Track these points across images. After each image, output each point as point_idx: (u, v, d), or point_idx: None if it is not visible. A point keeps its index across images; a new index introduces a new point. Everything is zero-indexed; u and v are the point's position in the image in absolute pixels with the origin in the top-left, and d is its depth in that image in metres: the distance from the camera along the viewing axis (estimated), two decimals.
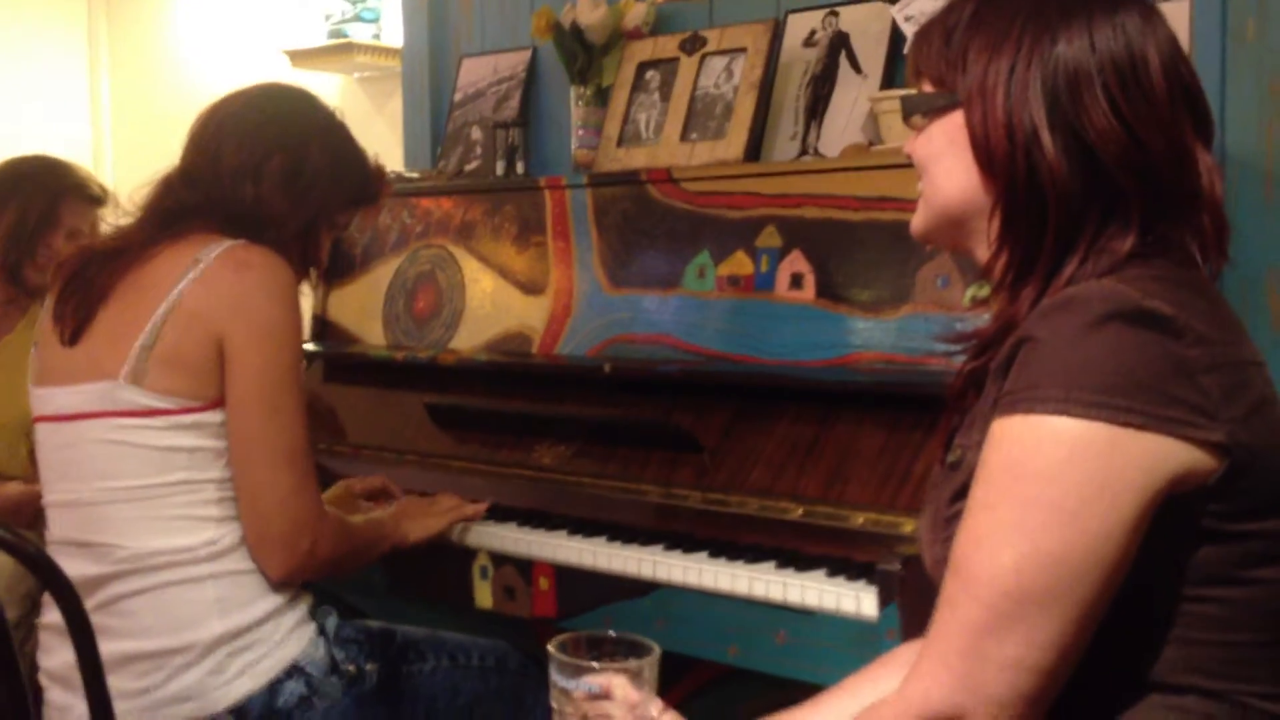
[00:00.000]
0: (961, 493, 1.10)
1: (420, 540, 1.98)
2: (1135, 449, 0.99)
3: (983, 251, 1.19)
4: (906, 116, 1.24)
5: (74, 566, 1.67)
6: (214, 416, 1.70)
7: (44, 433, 1.79)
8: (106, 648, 1.59)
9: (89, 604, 1.65)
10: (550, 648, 1.19)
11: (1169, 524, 1.02)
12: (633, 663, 1.18)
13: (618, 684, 1.17)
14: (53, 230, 2.64)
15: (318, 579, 1.82)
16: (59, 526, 1.76)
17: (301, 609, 1.78)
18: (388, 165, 2.87)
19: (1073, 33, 1.12)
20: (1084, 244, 1.11)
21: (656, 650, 1.19)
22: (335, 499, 2.08)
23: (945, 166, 1.19)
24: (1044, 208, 1.11)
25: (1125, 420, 0.99)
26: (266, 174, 1.81)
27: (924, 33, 1.23)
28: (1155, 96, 1.12)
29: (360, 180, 1.93)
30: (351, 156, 1.93)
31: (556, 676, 1.18)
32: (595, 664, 1.17)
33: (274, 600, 1.73)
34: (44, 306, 2.67)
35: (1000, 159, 1.13)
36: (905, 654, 1.31)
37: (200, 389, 1.69)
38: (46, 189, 2.64)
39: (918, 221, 1.25)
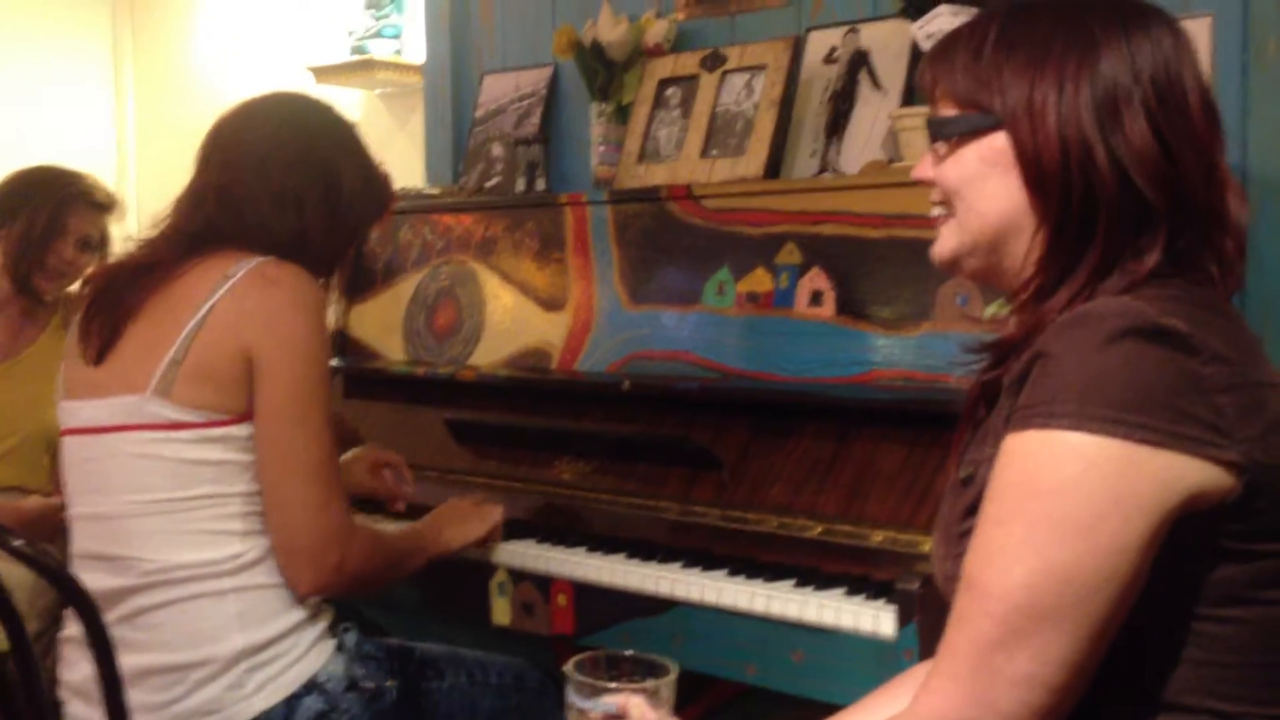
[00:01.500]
0: (973, 508, 1.10)
1: (463, 547, 1.97)
2: (1150, 466, 0.99)
3: (1011, 274, 1.17)
4: (934, 139, 1.21)
5: (97, 579, 1.68)
6: (241, 430, 1.70)
7: (71, 446, 1.80)
8: (128, 660, 1.60)
9: (111, 616, 1.67)
10: (567, 668, 1.18)
11: (1183, 543, 1.01)
12: (650, 683, 1.18)
13: (635, 704, 1.17)
14: (60, 238, 2.65)
15: (348, 594, 1.83)
16: (83, 539, 1.77)
17: (322, 625, 1.78)
18: (409, 181, 2.90)
19: (1113, 50, 1.11)
20: (1121, 260, 1.10)
21: (674, 670, 1.19)
22: (354, 460, 2.12)
23: (984, 189, 1.16)
24: (1094, 225, 1.10)
25: (1140, 437, 0.98)
26: (310, 203, 1.82)
27: (943, 52, 1.20)
28: (1190, 112, 1.11)
29: (383, 193, 1.95)
30: (375, 171, 1.94)
31: (574, 697, 1.17)
32: (612, 684, 1.17)
33: (295, 616, 1.73)
34: (72, 321, 2.70)
35: (1053, 179, 1.11)
36: (921, 672, 1.30)
37: (228, 402, 1.69)
38: (51, 197, 2.65)
39: (947, 247, 1.21)
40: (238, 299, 1.71)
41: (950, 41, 1.20)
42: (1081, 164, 1.10)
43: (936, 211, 1.22)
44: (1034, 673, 1.00)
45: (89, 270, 2.74)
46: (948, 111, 1.20)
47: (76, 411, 1.78)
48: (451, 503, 2.04)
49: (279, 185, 1.81)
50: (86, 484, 1.77)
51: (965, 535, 1.10)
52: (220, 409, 1.69)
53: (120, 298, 1.76)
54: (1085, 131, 1.10)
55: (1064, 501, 1.00)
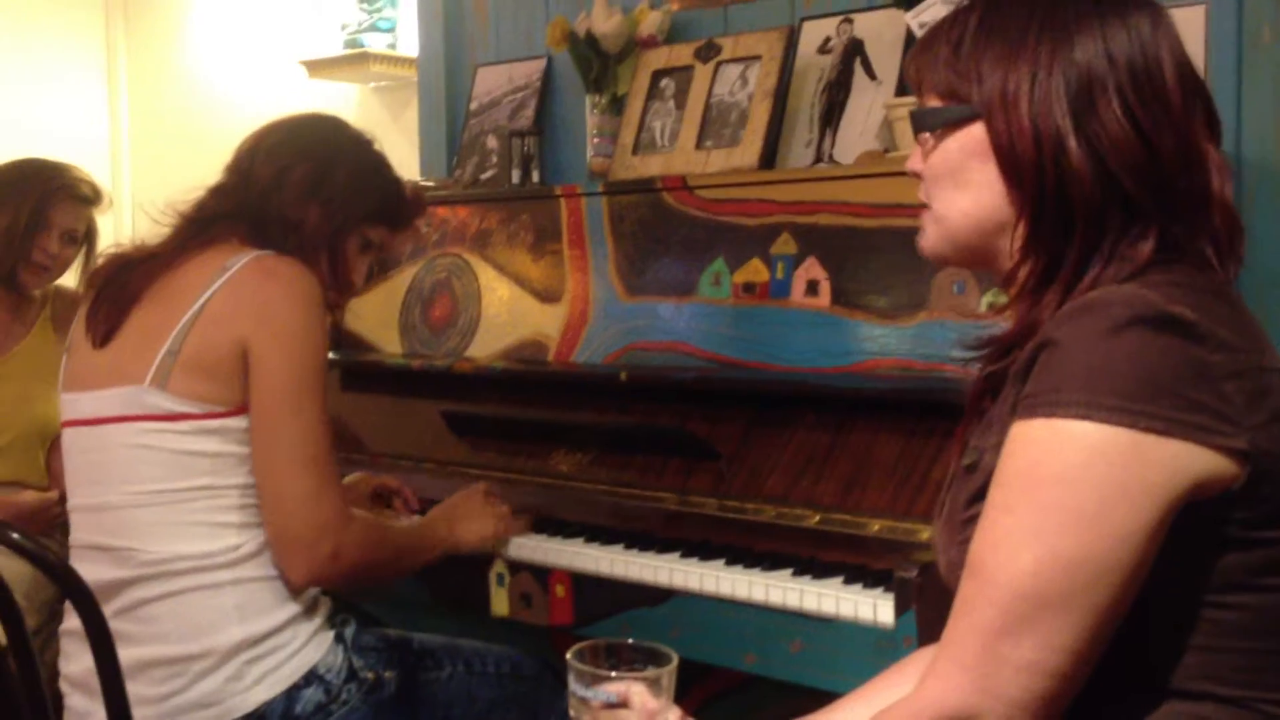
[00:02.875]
0: (978, 495, 1.10)
1: (475, 545, 1.98)
2: (1156, 454, 0.99)
3: (1001, 263, 1.18)
4: (918, 131, 1.22)
5: (96, 570, 1.69)
6: (238, 422, 1.71)
7: (70, 437, 1.81)
8: (127, 653, 1.60)
9: (110, 609, 1.67)
10: (568, 656, 1.19)
11: (1189, 530, 1.01)
12: (651, 671, 1.18)
13: (635, 692, 1.17)
14: (44, 232, 2.64)
15: (345, 585, 1.83)
16: (82, 530, 1.78)
17: (320, 616, 1.78)
18: (405, 174, 2.88)
19: (1087, 37, 1.11)
20: (1106, 249, 1.10)
21: (675, 658, 1.19)
22: (350, 487, 2.10)
23: (965, 180, 1.17)
24: (1071, 215, 1.11)
25: (1147, 426, 0.99)
26: (290, 182, 1.84)
27: (926, 45, 1.21)
28: (1168, 97, 1.11)
29: (386, 198, 1.95)
30: (378, 174, 1.95)
31: (575, 686, 1.18)
32: (613, 673, 1.17)
33: (293, 608, 1.74)
34: (61, 314, 2.69)
35: (1028, 168, 1.12)
36: (921, 659, 1.31)
37: (224, 394, 1.70)
38: (34, 191, 2.64)
39: (932, 240, 1.22)
40: (234, 291, 1.71)
41: (933, 34, 1.21)
42: (1054, 153, 1.10)
43: (925, 200, 1.22)
44: (1039, 660, 1.01)
45: (81, 264, 2.74)
46: (932, 104, 1.20)
47: (76, 403, 1.79)
48: (463, 495, 2.03)
49: (265, 169, 1.84)
50: (86, 475, 1.78)
51: (969, 523, 1.10)
52: (217, 400, 1.70)
53: (125, 285, 1.78)
54: (1058, 121, 1.10)
55: (1071, 490, 1.00)
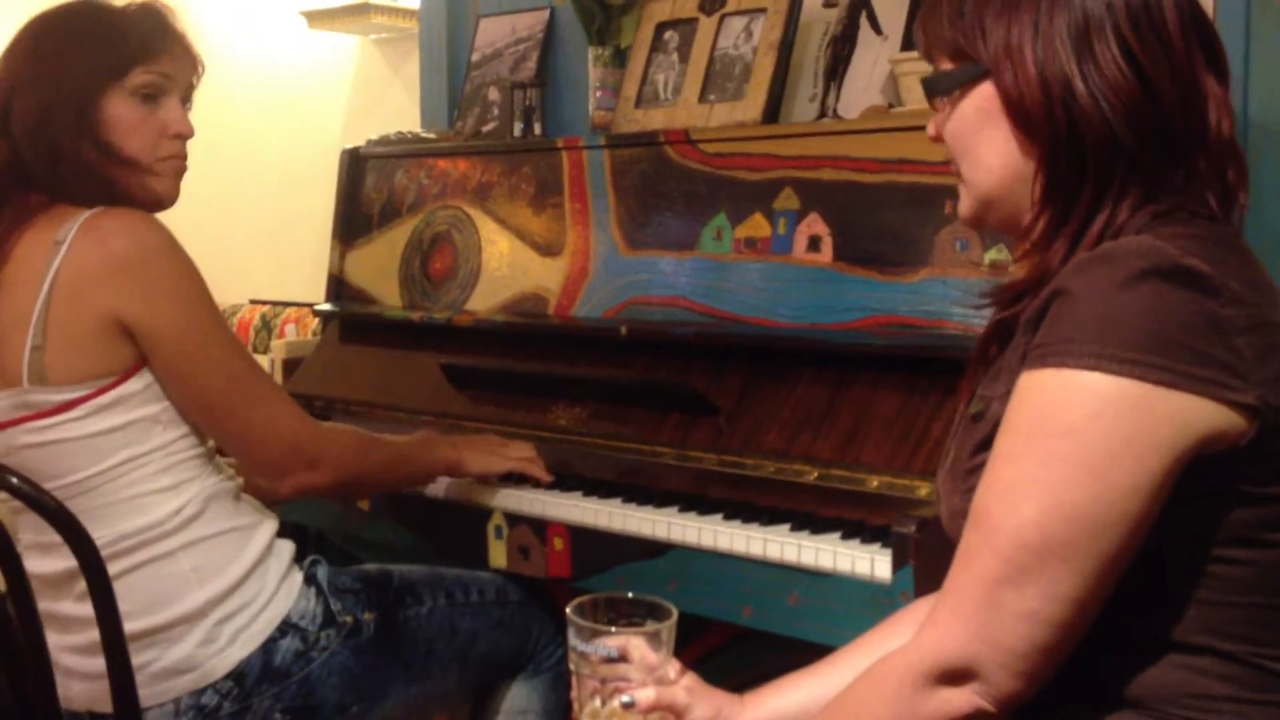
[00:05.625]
0: (984, 444, 1.10)
1: (478, 474, 1.97)
2: (1166, 407, 0.99)
3: (1026, 220, 1.17)
4: (931, 97, 1.21)
5: (46, 564, 1.65)
6: (133, 385, 1.64)
7: None
8: (96, 634, 1.54)
9: (70, 598, 1.64)
10: (568, 611, 1.19)
11: (1195, 483, 1.01)
12: (651, 625, 1.19)
13: (635, 646, 1.17)
14: None
15: (341, 491, 1.81)
16: (24, 531, 1.70)
17: (283, 559, 1.75)
18: (405, 126, 2.87)
19: None
20: (1114, 193, 1.10)
21: (674, 613, 1.20)
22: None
23: (984, 139, 1.16)
24: (1083, 159, 1.10)
25: (1157, 378, 0.98)
26: (14, 119, 1.66)
27: (930, 8, 1.20)
28: (1168, 34, 1.10)
29: (97, 52, 1.69)
30: (70, 39, 1.70)
31: (574, 640, 1.18)
32: (612, 628, 1.18)
33: (250, 556, 1.70)
34: None
35: (1038, 117, 1.11)
36: (919, 610, 1.31)
37: (106, 365, 1.62)
38: None
39: (966, 206, 1.21)
40: (77, 265, 1.60)
41: None
42: (1063, 100, 1.10)
43: (954, 167, 1.21)
44: (1040, 609, 1.01)
45: None
46: (943, 67, 1.19)
47: None
48: (482, 436, 2.03)
49: (21, 112, 1.66)
50: None
51: (974, 472, 1.10)
52: (102, 374, 1.62)
53: None
54: (1063, 66, 1.10)
55: (1078, 441, 1.00)
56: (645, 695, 1.17)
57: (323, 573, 1.79)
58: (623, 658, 1.17)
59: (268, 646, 1.69)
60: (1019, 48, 1.12)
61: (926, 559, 1.57)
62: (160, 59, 1.72)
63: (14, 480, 1.45)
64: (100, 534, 1.59)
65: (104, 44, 1.69)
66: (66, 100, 1.66)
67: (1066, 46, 1.10)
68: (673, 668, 1.22)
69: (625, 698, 1.17)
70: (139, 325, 1.61)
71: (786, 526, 1.76)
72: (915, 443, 1.79)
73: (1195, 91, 1.11)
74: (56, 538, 1.51)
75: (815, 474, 1.83)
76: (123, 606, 1.57)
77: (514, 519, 2.00)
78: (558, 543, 1.95)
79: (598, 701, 1.17)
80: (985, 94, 1.15)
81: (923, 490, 1.70)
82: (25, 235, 1.65)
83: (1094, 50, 1.09)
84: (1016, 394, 1.05)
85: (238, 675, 1.67)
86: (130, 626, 1.60)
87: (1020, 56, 1.11)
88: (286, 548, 1.78)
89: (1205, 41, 1.13)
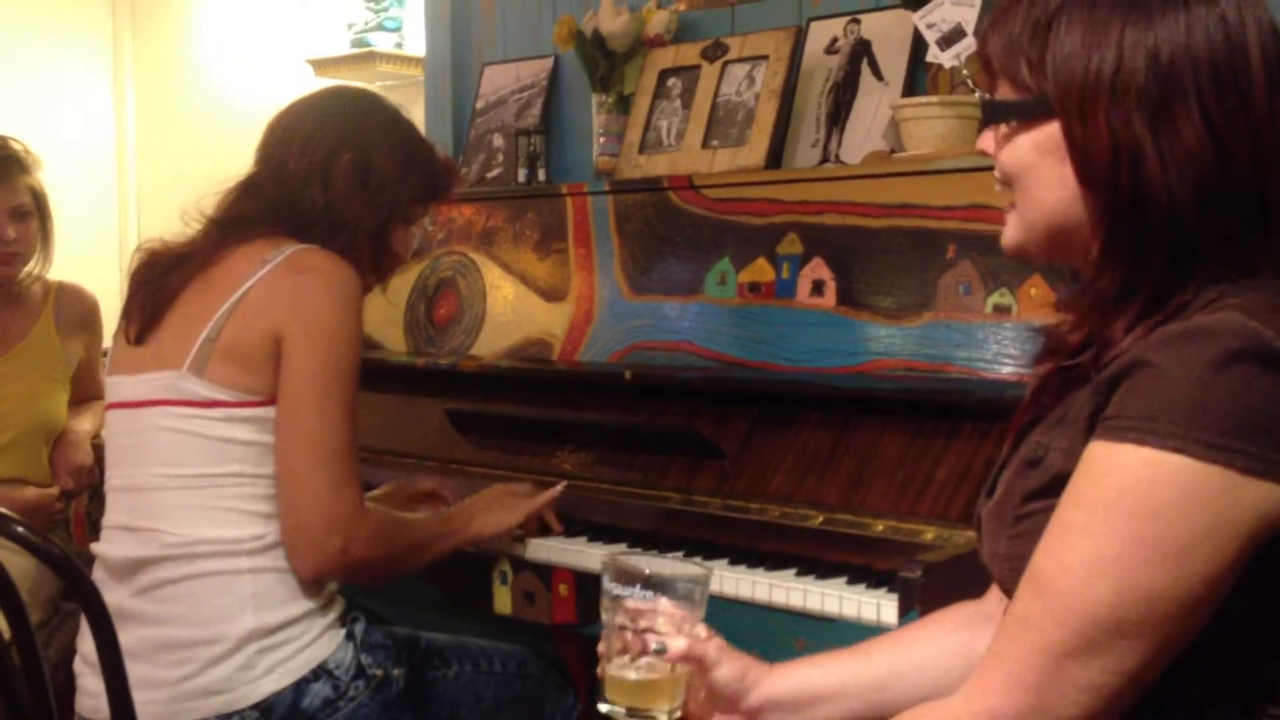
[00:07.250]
0: (1037, 494, 1.07)
1: (494, 535, 1.96)
2: (1251, 495, 0.96)
3: (1079, 257, 1.12)
4: (989, 123, 1.15)
5: (121, 549, 1.73)
6: (270, 412, 1.72)
7: (113, 420, 1.84)
8: (141, 634, 1.65)
9: (132, 587, 1.71)
10: (604, 558, 1.22)
11: (1265, 559, 0.99)
12: (683, 583, 1.21)
13: (666, 599, 1.19)
14: None
15: (354, 579, 1.82)
16: (114, 511, 1.80)
17: (334, 614, 1.78)
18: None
19: (1169, 26, 1.04)
20: (1183, 262, 1.04)
21: (710, 573, 1.23)
22: (387, 496, 2.09)
23: (1040, 176, 1.11)
24: (1147, 225, 1.05)
25: (1245, 466, 0.95)
26: (336, 176, 1.83)
27: (1002, 21, 1.12)
28: (1253, 96, 1.04)
29: (430, 173, 1.94)
30: (419, 150, 1.94)
31: (610, 584, 1.20)
32: (648, 572, 1.19)
33: (308, 603, 1.74)
34: (59, 309, 2.70)
35: (1102, 176, 1.06)
36: (958, 614, 1.30)
37: (259, 384, 1.71)
38: None
39: (1012, 236, 1.16)
40: (272, 282, 1.73)
41: (1008, 12, 1.13)
42: (1132, 164, 1.04)
43: (999, 190, 1.17)
44: (1104, 684, 0.99)
45: (40, 239, 2.66)
46: (1004, 90, 1.13)
47: (119, 386, 1.82)
48: (486, 489, 2.02)
49: (303, 163, 1.83)
50: (124, 456, 1.80)
51: (1023, 519, 1.08)
52: (252, 390, 1.72)
53: (160, 284, 1.79)
54: (1136, 126, 1.04)
55: (1159, 524, 0.96)
56: (677, 644, 1.18)
57: (359, 628, 1.81)
58: (654, 608, 1.19)
59: (300, 686, 1.71)
60: (1092, 99, 1.05)
61: (932, 603, 1.55)
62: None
63: (20, 530, 1.45)
64: (182, 532, 1.70)
65: (434, 176, 1.94)
66: (398, 194, 1.87)
67: (1144, 107, 1.04)
68: (701, 628, 1.23)
69: (656, 644, 1.18)
70: (286, 348, 1.70)
71: (792, 571, 1.76)
72: (920, 486, 1.78)
73: (1276, 153, 1.05)
74: (146, 522, 1.71)
75: (820, 518, 1.82)
76: (176, 611, 1.67)
77: (519, 565, 2.00)
78: (563, 589, 1.95)
79: (626, 657, 1.19)
80: (1049, 133, 1.09)
81: (928, 534, 1.70)
82: (241, 247, 1.78)
83: (1173, 114, 1.03)
84: (1090, 464, 1.01)
85: (265, 708, 1.69)
86: (176, 633, 1.68)
87: (1093, 109, 1.05)
88: (340, 602, 1.82)
89: None
